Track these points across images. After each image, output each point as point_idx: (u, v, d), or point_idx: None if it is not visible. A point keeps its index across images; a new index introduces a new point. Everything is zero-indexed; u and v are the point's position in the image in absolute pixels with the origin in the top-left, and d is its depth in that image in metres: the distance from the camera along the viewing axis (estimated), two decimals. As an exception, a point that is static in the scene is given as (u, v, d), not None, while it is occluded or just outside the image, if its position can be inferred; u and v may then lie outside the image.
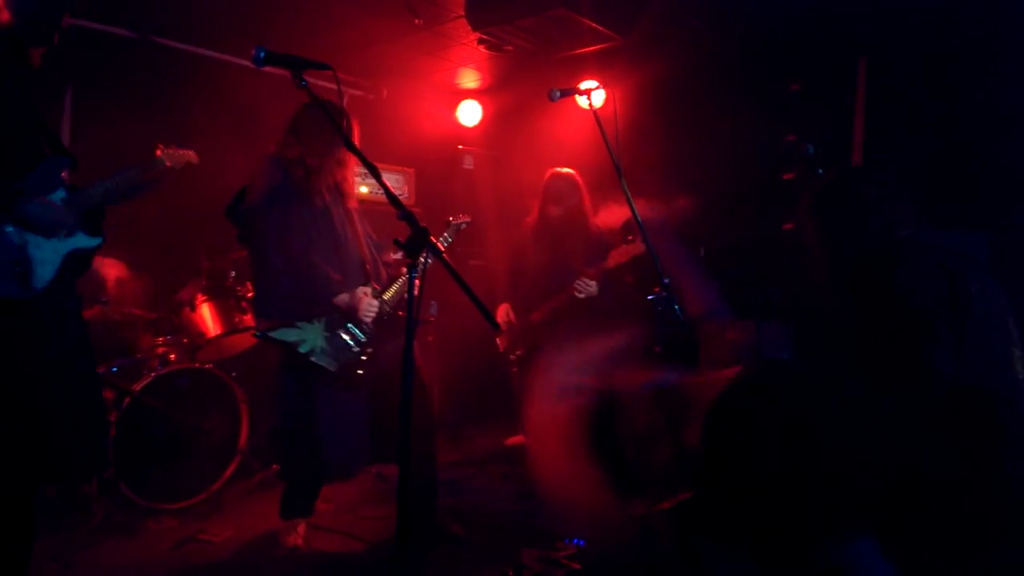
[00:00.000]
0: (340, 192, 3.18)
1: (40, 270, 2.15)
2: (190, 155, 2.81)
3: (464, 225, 3.66)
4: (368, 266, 3.20)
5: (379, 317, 3.13)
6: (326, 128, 2.97)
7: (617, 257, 3.89)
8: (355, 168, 3.22)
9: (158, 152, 2.71)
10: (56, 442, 2.14)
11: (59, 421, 2.14)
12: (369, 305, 3.07)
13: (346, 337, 3.05)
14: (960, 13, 3.86)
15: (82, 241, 2.30)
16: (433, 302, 4.34)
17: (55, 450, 2.14)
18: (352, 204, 3.25)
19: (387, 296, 3.20)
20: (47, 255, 2.18)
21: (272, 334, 2.97)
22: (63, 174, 2.29)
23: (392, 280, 3.27)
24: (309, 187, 3.05)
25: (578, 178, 4.29)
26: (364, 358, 3.07)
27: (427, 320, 3.33)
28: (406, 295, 3.10)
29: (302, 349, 2.97)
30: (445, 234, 3.56)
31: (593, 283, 3.93)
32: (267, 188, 2.99)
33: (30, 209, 2.13)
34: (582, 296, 3.95)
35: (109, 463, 3.31)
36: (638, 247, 3.78)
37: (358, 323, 3.07)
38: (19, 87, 2.21)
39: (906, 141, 4.00)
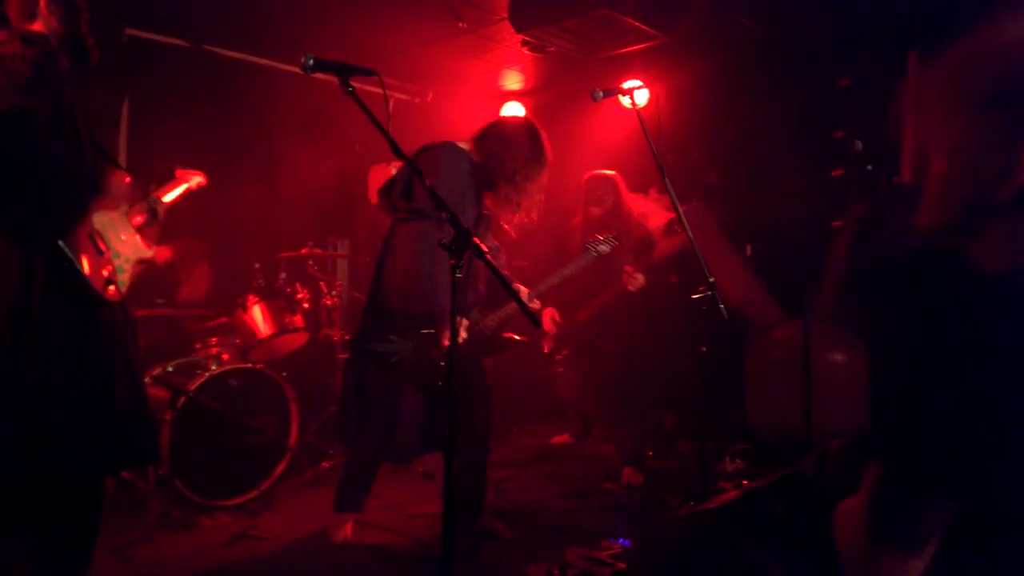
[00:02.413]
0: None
1: (122, 277, 2.35)
2: (198, 175, 2.95)
3: (606, 248, 3.50)
4: (474, 289, 3.23)
5: (477, 338, 3.17)
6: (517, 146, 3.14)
7: (663, 250, 3.89)
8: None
9: (177, 172, 2.86)
10: (123, 432, 2.26)
11: (126, 413, 2.26)
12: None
13: (435, 354, 3.07)
14: (1008, 3, 3.74)
15: (143, 252, 2.50)
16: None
17: (123, 440, 2.26)
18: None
19: (489, 321, 3.23)
20: (123, 264, 2.38)
21: (368, 347, 3.07)
22: (124, 188, 2.47)
23: (500, 306, 3.26)
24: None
25: (617, 178, 4.33)
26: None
27: (518, 341, 3.37)
28: (509, 318, 3.20)
29: (392, 360, 3.07)
30: (582, 258, 3.48)
31: (640, 276, 3.94)
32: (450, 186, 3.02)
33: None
34: (632, 290, 3.95)
35: (162, 456, 3.44)
36: (684, 238, 3.75)
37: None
38: (72, 102, 2.31)
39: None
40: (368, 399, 3.18)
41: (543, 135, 3.25)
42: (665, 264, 4.02)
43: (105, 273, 2.25)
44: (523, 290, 3.26)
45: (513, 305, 3.15)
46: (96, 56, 2.36)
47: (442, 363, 3.04)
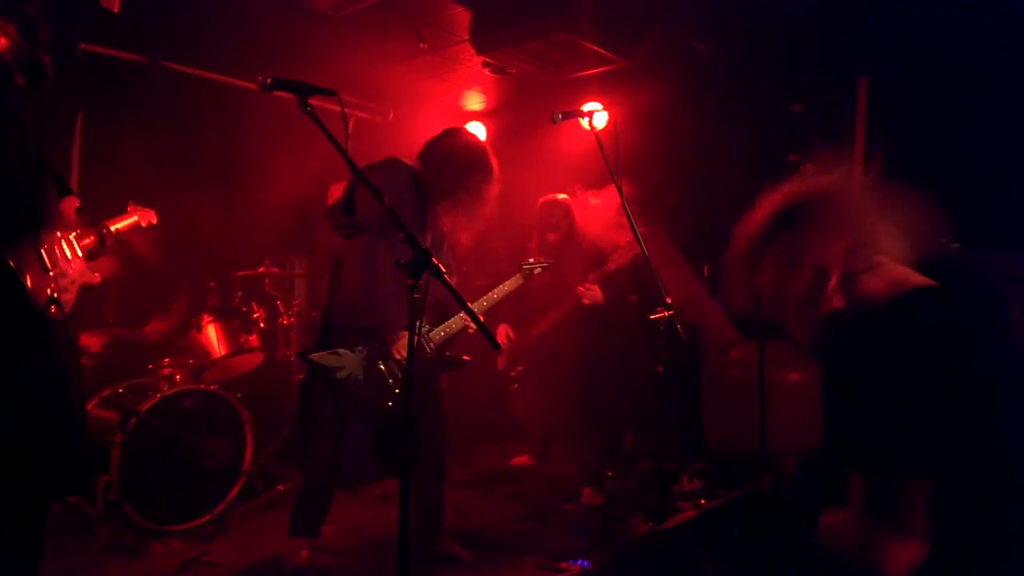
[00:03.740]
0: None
1: (65, 298, 2.29)
2: (150, 215, 2.95)
3: (539, 270, 3.61)
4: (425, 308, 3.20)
5: (422, 355, 3.13)
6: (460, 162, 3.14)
7: (616, 260, 3.95)
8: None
9: (129, 207, 2.86)
10: (61, 456, 2.19)
11: (66, 436, 2.20)
12: (403, 349, 3.03)
13: (383, 369, 3.05)
14: (959, 33, 3.89)
15: (89, 277, 2.45)
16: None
17: (61, 464, 2.19)
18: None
19: (433, 334, 3.18)
20: (68, 286, 2.32)
21: (312, 357, 3.01)
22: (72, 215, 2.42)
23: (444, 319, 3.23)
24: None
25: (570, 203, 4.41)
26: (398, 391, 3.06)
27: (464, 361, 3.35)
28: (453, 336, 3.19)
29: (339, 376, 3.01)
30: (517, 276, 3.52)
31: (595, 287, 4.00)
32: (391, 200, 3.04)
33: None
34: (587, 303, 4.00)
35: (95, 482, 3.36)
36: (635, 247, 3.79)
37: (394, 359, 3.07)
38: (24, 119, 2.26)
39: (906, 161, 4.02)
40: (315, 421, 3.15)
41: (484, 148, 3.26)
42: (619, 276, 4.06)
43: (48, 291, 2.19)
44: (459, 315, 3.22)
45: (457, 320, 3.18)
46: (52, 74, 2.32)
47: (390, 380, 3.02)
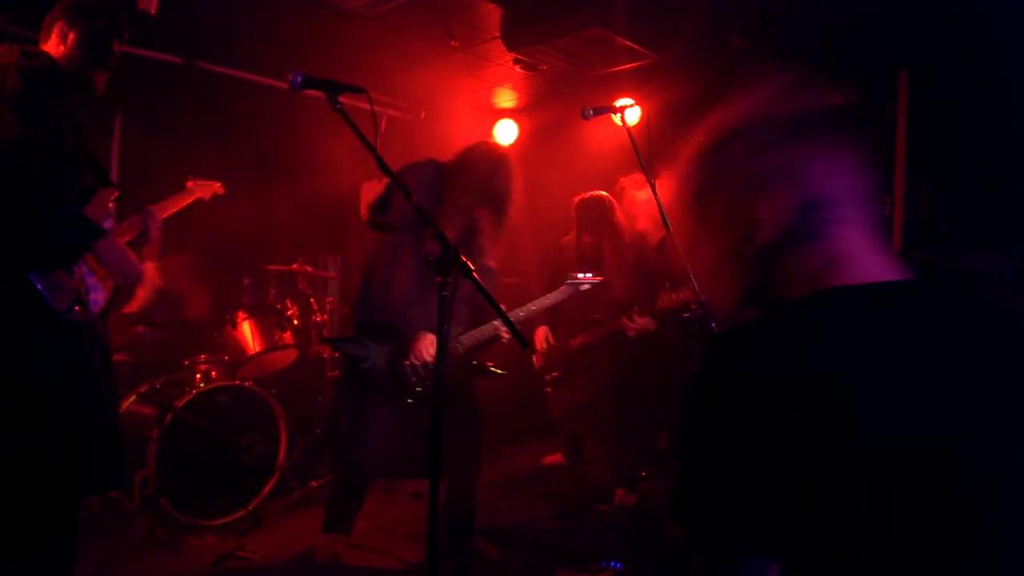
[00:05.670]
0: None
1: (95, 296, 2.27)
2: (216, 186, 2.92)
3: (587, 287, 3.43)
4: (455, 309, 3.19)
5: (451, 357, 3.11)
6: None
7: (665, 302, 3.79)
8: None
9: (189, 183, 2.82)
10: (91, 455, 2.22)
11: (93, 435, 2.22)
12: (423, 350, 3.05)
13: (408, 367, 3.06)
14: (1002, 27, 3.77)
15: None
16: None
17: (91, 463, 2.22)
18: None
19: (464, 338, 3.17)
20: (99, 283, 2.30)
21: (340, 343, 3.05)
22: (111, 204, 2.41)
23: (478, 326, 3.21)
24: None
25: (608, 199, 4.25)
26: (420, 390, 3.06)
27: (493, 372, 3.34)
28: (486, 341, 3.17)
29: (363, 365, 3.05)
30: (563, 289, 3.39)
31: (642, 320, 3.90)
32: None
33: (103, 247, 2.23)
34: (631, 335, 3.94)
35: (131, 478, 3.42)
36: (687, 295, 3.57)
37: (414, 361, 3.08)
38: (76, 120, 2.29)
39: (948, 156, 3.92)
40: (344, 417, 3.18)
41: (507, 170, 3.19)
42: (666, 314, 3.92)
43: (71, 294, 2.17)
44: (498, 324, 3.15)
45: (490, 327, 3.14)
46: (100, 92, 2.36)
47: (413, 378, 3.03)
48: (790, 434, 0.89)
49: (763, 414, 0.90)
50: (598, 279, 3.47)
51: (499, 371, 3.27)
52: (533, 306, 3.34)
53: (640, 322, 3.91)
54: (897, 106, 4.25)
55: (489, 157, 3.19)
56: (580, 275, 3.43)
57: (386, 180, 2.96)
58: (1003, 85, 3.82)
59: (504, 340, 3.17)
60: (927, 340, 0.95)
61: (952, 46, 3.99)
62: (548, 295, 3.39)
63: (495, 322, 3.11)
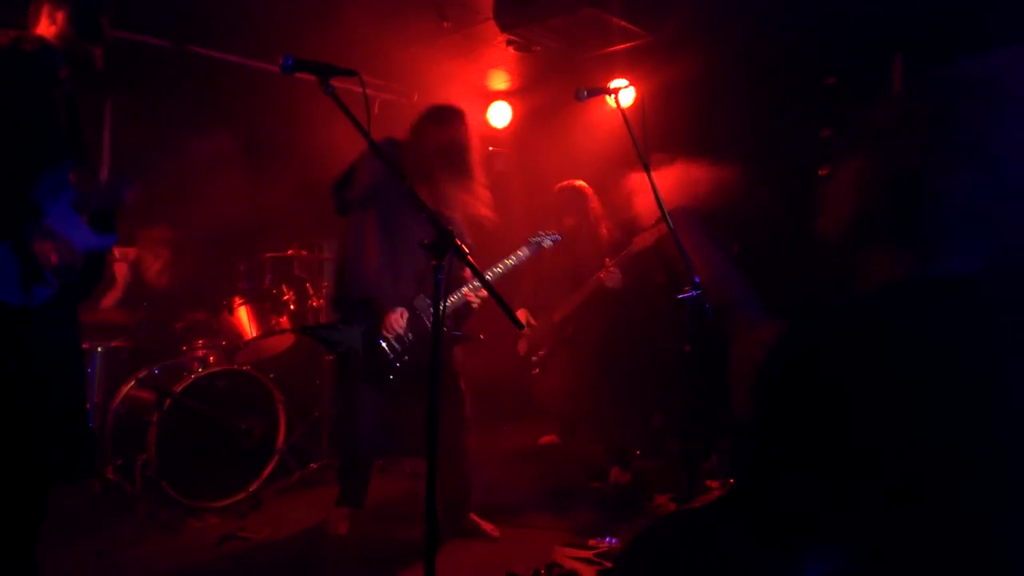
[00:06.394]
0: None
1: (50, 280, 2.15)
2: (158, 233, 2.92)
3: (548, 243, 3.55)
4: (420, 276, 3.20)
5: (422, 328, 3.14)
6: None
7: (641, 242, 3.88)
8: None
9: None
10: (42, 448, 2.17)
11: (45, 427, 2.17)
12: (393, 323, 3.07)
13: (383, 344, 3.08)
14: (997, 9, 3.76)
15: (92, 241, 2.28)
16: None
17: (42, 456, 2.17)
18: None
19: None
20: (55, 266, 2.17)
21: (315, 331, 3.07)
22: (69, 175, 2.26)
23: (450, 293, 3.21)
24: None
25: (584, 188, 4.36)
26: (399, 365, 3.09)
27: (469, 337, 3.35)
28: (459, 310, 3.19)
29: (339, 350, 3.06)
30: (525, 249, 3.46)
31: (617, 271, 3.98)
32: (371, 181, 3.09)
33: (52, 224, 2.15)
34: (609, 286, 3.97)
35: (96, 470, 3.41)
36: (661, 228, 3.68)
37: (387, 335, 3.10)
38: (73, 100, 2.28)
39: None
40: (340, 397, 3.28)
41: (458, 125, 3.20)
42: (643, 258, 4.00)
43: (17, 278, 2.07)
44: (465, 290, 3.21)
45: (459, 294, 3.17)
46: (100, 66, 2.34)
47: (390, 355, 3.04)
48: (929, 404, 0.95)
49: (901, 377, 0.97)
50: (557, 234, 3.57)
51: (473, 336, 3.30)
52: (498, 268, 3.35)
53: (614, 272, 3.98)
54: (892, 89, 4.25)
55: (436, 118, 3.21)
56: (541, 233, 3.48)
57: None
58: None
59: (474, 306, 3.20)
60: None
61: (948, 28, 3.98)
62: (511, 256, 3.40)
63: (463, 288, 3.15)
